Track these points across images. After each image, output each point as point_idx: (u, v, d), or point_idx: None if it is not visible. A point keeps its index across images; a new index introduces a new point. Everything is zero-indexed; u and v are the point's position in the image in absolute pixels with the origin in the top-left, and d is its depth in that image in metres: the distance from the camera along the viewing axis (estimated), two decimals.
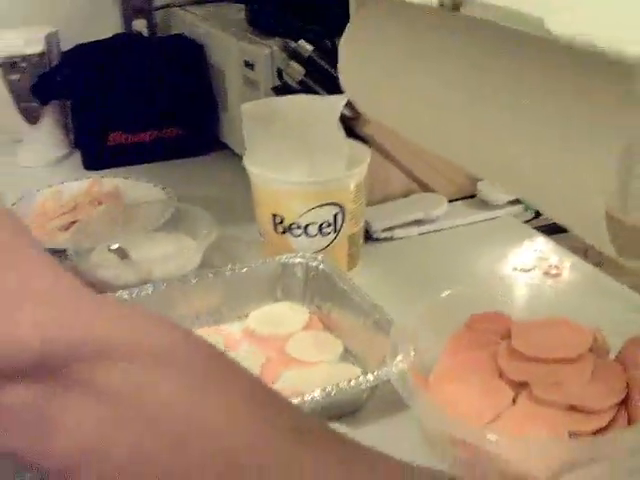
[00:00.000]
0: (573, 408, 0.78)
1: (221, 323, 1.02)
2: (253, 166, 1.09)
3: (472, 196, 1.33)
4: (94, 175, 1.53)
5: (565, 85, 0.60)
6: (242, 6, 1.50)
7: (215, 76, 1.56)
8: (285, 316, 1.03)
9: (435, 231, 1.26)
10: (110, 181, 1.48)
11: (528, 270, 1.14)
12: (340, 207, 1.07)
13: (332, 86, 1.10)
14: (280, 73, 1.27)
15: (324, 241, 1.08)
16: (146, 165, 1.58)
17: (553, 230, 1.28)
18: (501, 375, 0.83)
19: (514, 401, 0.80)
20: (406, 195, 1.30)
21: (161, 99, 1.59)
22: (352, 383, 0.82)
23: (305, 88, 1.22)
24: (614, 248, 0.59)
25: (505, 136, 0.65)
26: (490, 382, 0.83)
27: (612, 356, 0.86)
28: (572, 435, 0.75)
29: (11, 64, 1.60)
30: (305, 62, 1.22)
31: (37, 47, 1.61)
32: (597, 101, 0.58)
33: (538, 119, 0.62)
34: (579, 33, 0.53)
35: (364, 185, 1.10)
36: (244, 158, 1.10)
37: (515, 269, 1.15)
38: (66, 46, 1.64)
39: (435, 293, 0.91)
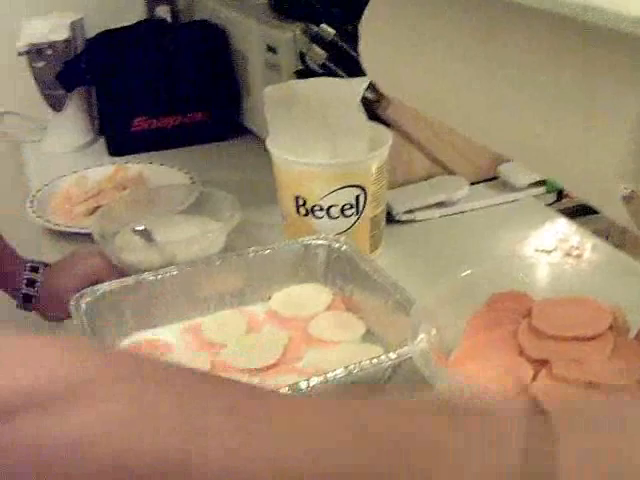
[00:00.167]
0: (593, 385, 0.78)
1: (244, 304, 1.04)
2: (276, 149, 1.09)
3: (493, 178, 1.33)
4: (118, 161, 1.55)
5: (581, 61, 0.61)
6: None
7: (238, 61, 1.57)
8: (308, 297, 1.04)
9: (456, 213, 1.27)
10: (134, 166, 1.50)
11: (549, 251, 1.14)
12: (362, 189, 1.08)
13: (354, 69, 1.11)
14: (302, 57, 1.28)
15: (346, 223, 1.09)
16: (170, 151, 1.60)
17: (575, 213, 1.28)
18: (521, 353, 0.84)
19: (534, 379, 0.81)
20: (428, 178, 1.31)
21: (184, 85, 1.60)
22: (374, 361, 0.83)
23: (327, 71, 1.22)
24: (635, 223, 0.59)
25: (525, 113, 0.66)
26: (511, 360, 0.83)
27: (632, 334, 0.86)
28: None
29: (36, 52, 1.62)
30: (327, 45, 1.23)
31: (62, 34, 1.62)
32: (611, 75, 0.58)
33: (556, 95, 0.62)
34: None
35: (386, 168, 1.11)
36: (267, 141, 1.11)
37: (536, 250, 1.15)
38: (91, 33, 1.66)
39: (456, 274, 0.92)
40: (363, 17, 0.90)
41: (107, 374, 0.45)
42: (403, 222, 1.24)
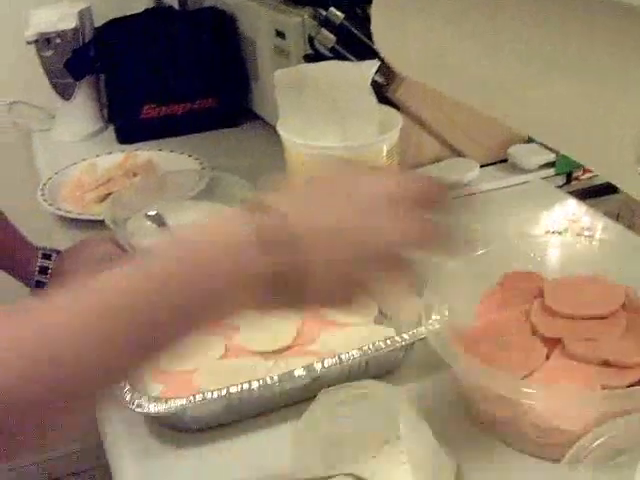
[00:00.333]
0: (606, 363, 0.78)
1: None
2: (286, 132, 1.10)
3: (503, 161, 1.33)
4: (128, 148, 1.55)
5: (598, 38, 0.61)
6: None
7: (246, 47, 1.57)
8: None
9: (467, 195, 1.27)
10: (144, 154, 1.50)
11: (560, 232, 1.14)
12: None
13: (363, 52, 1.11)
14: (311, 41, 1.28)
15: None
16: (179, 137, 1.60)
17: (584, 195, 1.28)
18: (534, 332, 0.84)
19: (548, 357, 0.81)
20: (438, 160, 1.31)
21: (193, 71, 1.60)
22: (389, 342, 0.84)
23: (336, 55, 1.22)
24: None
25: (535, 88, 0.66)
26: (524, 339, 0.84)
27: None
28: (606, 389, 0.76)
29: (45, 40, 1.62)
30: (336, 29, 1.22)
31: (70, 23, 1.63)
32: (624, 46, 0.58)
33: (566, 68, 0.62)
34: None
35: (396, 150, 1.11)
36: (277, 124, 1.11)
37: (548, 231, 1.15)
38: (99, 22, 1.66)
39: (468, 255, 0.92)
40: None
41: None
42: None
